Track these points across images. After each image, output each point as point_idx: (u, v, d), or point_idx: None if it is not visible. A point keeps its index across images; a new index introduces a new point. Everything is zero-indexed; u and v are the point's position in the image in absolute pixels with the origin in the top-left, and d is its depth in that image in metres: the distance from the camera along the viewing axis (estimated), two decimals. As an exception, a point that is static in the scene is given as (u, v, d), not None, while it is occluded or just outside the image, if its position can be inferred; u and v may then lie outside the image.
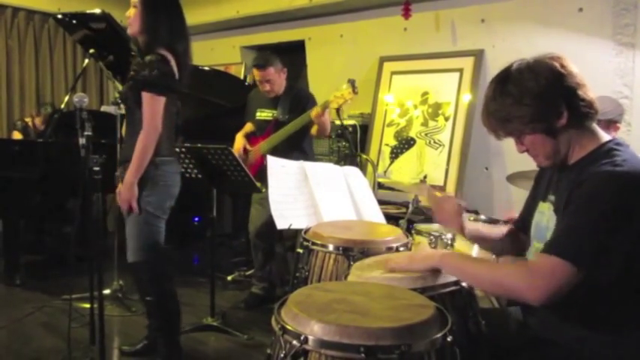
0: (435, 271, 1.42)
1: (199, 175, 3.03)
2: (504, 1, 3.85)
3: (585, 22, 3.44)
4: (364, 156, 4.00)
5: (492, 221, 2.71)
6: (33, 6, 5.55)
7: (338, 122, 3.48)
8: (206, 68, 4.53)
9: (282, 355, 1.12)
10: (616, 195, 1.21)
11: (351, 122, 4.27)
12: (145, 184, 2.38)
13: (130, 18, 2.43)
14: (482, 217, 2.84)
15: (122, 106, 2.74)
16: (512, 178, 2.88)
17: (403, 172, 4.10)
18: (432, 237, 2.71)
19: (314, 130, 3.33)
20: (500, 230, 1.79)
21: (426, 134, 4.05)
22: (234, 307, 3.50)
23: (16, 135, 4.64)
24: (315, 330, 1.09)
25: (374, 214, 2.50)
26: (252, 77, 3.64)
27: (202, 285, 3.68)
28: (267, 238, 3.49)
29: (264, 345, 2.44)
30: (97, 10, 3.64)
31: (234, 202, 5.19)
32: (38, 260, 4.40)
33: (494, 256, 2.65)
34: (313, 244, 1.83)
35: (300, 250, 1.87)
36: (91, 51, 3.72)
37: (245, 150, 3.50)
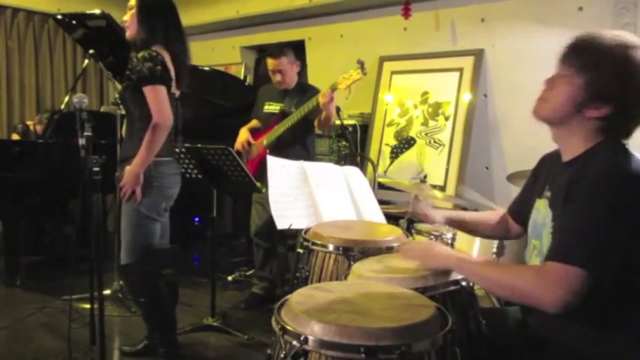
0: (443, 271, 1.41)
1: (199, 176, 3.03)
2: (504, 1, 3.84)
3: (585, 21, 3.44)
4: (365, 157, 4.00)
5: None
6: (33, 6, 5.55)
7: (338, 122, 3.49)
8: (206, 68, 4.53)
9: (282, 356, 1.12)
10: (616, 192, 1.20)
11: (351, 122, 4.27)
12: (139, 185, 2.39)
13: (127, 21, 2.45)
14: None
15: (122, 106, 2.74)
16: (513, 178, 2.88)
17: (403, 171, 4.10)
18: (432, 237, 2.71)
19: (319, 119, 3.29)
20: (488, 216, 1.81)
21: (426, 134, 4.05)
22: (235, 307, 3.50)
23: (16, 138, 4.64)
24: (315, 330, 1.09)
25: (374, 214, 2.50)
26: (252, 77, 3.65)
27: (203, 285, 3.68)
28: (268, 237, 3.49)
29: (264, 345, 2.44)
30: (97, 11, 3.64)
31: (234, 202, 5.19)
32: (38, 261, 4.40)
33: (494, 255, 2.66)
34: (313, 244, 1.82)
35: (300, 250, 1.87)
36: (91, 51, 3.72)
37: (248, 143, 3.50)
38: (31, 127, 4.81)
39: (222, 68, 5.38)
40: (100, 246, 2.34)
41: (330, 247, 1.78)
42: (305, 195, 2.35)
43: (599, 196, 1.21)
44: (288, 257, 3.72)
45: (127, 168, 2.38)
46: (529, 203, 1.54)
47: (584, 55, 1.31)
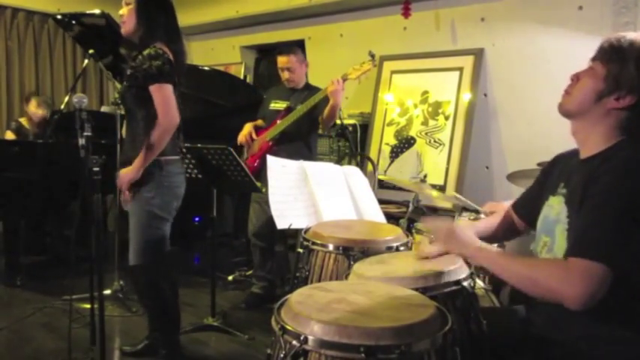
0: (443, 271, 1.41)
1: (199, 175, 3.03)
2: (504, 0, 3.84)
3: (585, 21, 3.43)
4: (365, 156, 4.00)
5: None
6: (32, 6, 5.54)
7: (338, 122, 3.49)
8: (206, 68, 4.53)
9: (282, 355, 1.12)
10: (635, 188, 1.20)
11: (351, 121, 4.27)
12: (150, 185, 2.36)
13: (124, 16, 2.38)
14: (482, 215, 2.83)
15: (122, 106, 2.72)
16: (513, 177, 2.88)
17: (403, 171, 4.10)
18: (432, 236, 2.71)
19: (325, 112, 3.29)
20: (487, 222, 1.79)
21: (426, 133, 4.05)
22: (235, 307, 3.50)
23: (9, 135, 4.61)
24: (315, 330, 1.09)
25: (374, 213, 2.50)
26: (252, 77, 3.66)
27: (203, 285, 3.68)
28: (265, 237, 3.49)
29: (264, 345, 2.44)
30: (97, 11, 3.64)
31: (234, 202, 5.19)
32: (39, 261, 4.40)
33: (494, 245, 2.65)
34: (313, 243, 1.82)
35: (300, 250, 1.87)
36: (91, 51, 3.72)
37: (251, 138, 3.51)
38: (24, 123, 4.76)
39: (222, 68, 5.39)
40: (100, 246, 2.33)
41: (330, 247, 1.77)
42: (305, 195, 2.35)
43: (620, 193, 1.21)
44: (288, 257, 3.72)
45: (123, 170, 2.35)
46: (538, 200, 1.54)
47: (609, 49, 1.35)
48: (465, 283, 1.43)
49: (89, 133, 2.23)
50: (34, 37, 5.65)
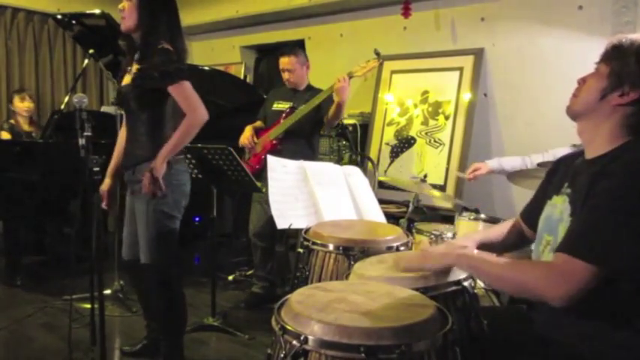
0: (445, 270, 1.41)
1: (199, 175, 3.02)
2: (504, 0, 3.84)
3: (585, 20, 3.44)
4: (366, 157, 4.00)
5: (492, 220, 2.71)
6: (33, 6, 5.54)
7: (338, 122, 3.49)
8: (206, 68, 4.53)
9: (282, 355, 1.12)
10: (637, 191, 1.20)
11: (351, 121, 4.27)
12: (162, 187, 2.31)
13: (125, 12, 2.30)
14: (483, 215, 2.83)
15: (123, 106, 2.70)
16: (513, 177, 2.87)
17: (403, 171, 4.10)
18: (432, 236, 2.71)
19: (331, 110, 3.30)
20: (499, 229, 1.78)
21: (426, 133, 4.05)
22: (235, 307, 3.50)
23: (5, 135, 4.60)
24: (315, 330, 1.09)
25: (374, 213, 2.50)
26: (252, 77, 3.67)
27: (203, 285, 3.68)
28: (266, 237, 3.49)
29: (264, 345, 2.44)
30: (97, 11, 3.64)
31: (234, 201, 5.19)
32: (39, 261, 4.41)
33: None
34: (313, 243, 1.82)
35: (301, 250, 1.87)
36: (91, 51, 3.72)
37: (253, 140, 3.51)
38: (15, 123, 4.73)
39: (222, 68, 5.39)
40: (100, 246, 2.33)
41: (331, 247, 1.77)
42: (305, 194, 2.35)
43: (622, 194, 1.21)
44: (288, 257, 3.72)
45: (150, 166, 2.26)
46: (541, 204, 1.54)
47: (610, 49, 1.37)
48: (466, 283, 1.43)
49: (89, 133, 2.23)
50: (34, 37, 5.64)
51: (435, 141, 3.99)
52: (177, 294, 2.49)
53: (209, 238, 3.67)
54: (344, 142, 4.16)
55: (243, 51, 5.78)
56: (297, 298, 1.23)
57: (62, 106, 4.09)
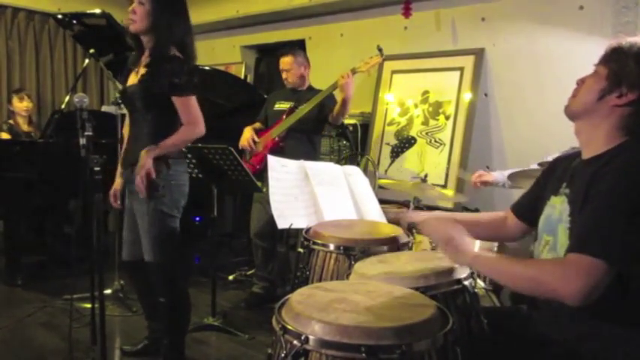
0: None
1: (200, 175, 3.02)
2: (505, 0, 3.84)
3: (586, 20, 3.43)
4: (366, 157, 4.00)
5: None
6: (33, 6, 5.55)
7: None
8: (206, 68, 4.53)
9: (282, 355, 1.12)
10: (637, 189, 1.21)
11: (352, 121, 4.27)
12: (158, 184, 2.35)
13: (135, 15, 2.28)
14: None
15: (122, 106, 2.70)
16: (513, 177, 2.87)
17: (404, 171, 4.10)
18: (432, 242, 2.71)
19: (337, 107, 3.31)
20: (482, 216, 1.80)
21: (426, 133, 4.05)
22: (236, 307, 3.50)
23: (4, 135, 4.60)
24: (315, 330, 1.09)
25: (375, 213, 2.50)
26: (253, 77, 3.68)
27: (203, 285, 3.67)
28: (267, 237, 3.49)
29: (265, 345, 2.44)
30: (97, 10, 3.65)
31: (235, 201, 5.19)
32: (39, 260, 4.40)
33: (495, 248, 2.66)
34: (314, 243, 1.82)
35: (301, 250, 1.87)
36: (92, 51, 3.72)
37: (253, 140, 3.51)
38: (14, 123, 4.73)
39: (222, 68, 5.38)
40: (100, 246, 2.33)
41: (331, 247, 1.78)
42: (306, 194, 2.35)
43: (621, 192, 1.22)
44: (289, 257, 3.72)
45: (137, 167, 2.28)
46: (538, 201, 1.55)
47: (610, 51, 1.38)
48: (466, 283, 1.43)
49: (90, 133, 2.23)
50: (35, 36, 5.65)
51: (435, 141, 3.99)
52: (182, 292, 2.50)
53: (209, 237, 3.67)
54: (344, 142, 4.15)
55: (244, 51, 5.78)
56: (298, 297, 1.23)
57: (63, 106, 4.09)
